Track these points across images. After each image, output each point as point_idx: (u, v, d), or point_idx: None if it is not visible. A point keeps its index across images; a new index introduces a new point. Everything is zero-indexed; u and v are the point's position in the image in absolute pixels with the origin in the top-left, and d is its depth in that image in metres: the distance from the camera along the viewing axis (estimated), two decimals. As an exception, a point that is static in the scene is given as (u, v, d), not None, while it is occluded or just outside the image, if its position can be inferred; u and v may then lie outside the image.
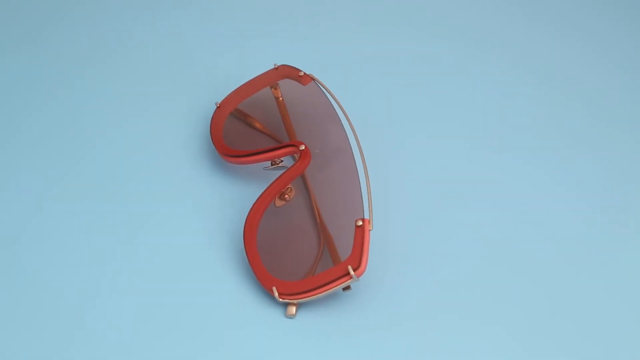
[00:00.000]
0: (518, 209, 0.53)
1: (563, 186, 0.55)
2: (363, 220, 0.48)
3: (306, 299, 0.47)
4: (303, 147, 0.51)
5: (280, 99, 0.56)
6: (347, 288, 0.48)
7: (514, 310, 0.49)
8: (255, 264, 0.48)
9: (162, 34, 0.63)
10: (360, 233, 0.47)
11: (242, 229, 0.51)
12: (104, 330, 0.46)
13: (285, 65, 0.57)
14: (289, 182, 0.50)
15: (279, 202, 0.50)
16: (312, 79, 0.55)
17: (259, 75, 0.57)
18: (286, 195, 0.50)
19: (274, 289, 0.48)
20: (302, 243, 0.49)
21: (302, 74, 0.55)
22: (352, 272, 0.46)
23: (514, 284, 0.50)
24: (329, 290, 0.47)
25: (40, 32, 0.62)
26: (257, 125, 0.55)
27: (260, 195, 0.50)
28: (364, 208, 0.52)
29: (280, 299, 0.47)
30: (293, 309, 0.48)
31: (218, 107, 0.56)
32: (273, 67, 0.58)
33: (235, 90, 0.57)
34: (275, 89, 0.56)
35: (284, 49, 0.62)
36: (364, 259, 0.47)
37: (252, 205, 0.50)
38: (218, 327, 0.47)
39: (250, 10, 0.65)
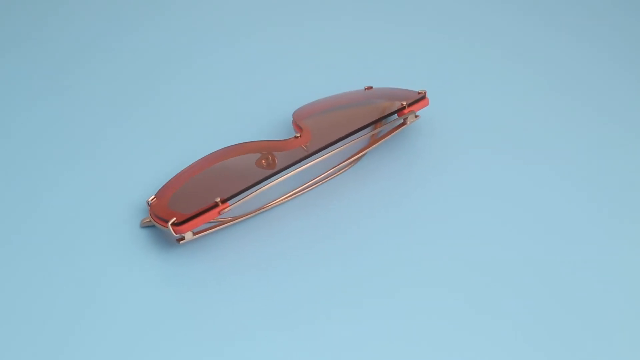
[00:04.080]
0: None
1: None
2: (223, 201, 0.49)
3: (148, 219, 0.51)
4: (298, 135, 0.52)
5: (402, 122, 0.56)
6: (180, 240, 0.50)
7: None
8: (177, 178, 0.52)
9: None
10: (210, 207, 0.49)
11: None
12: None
13: (424, 96, 0.55)
14: (266, 149, 0.52)
15: (258, 163, 0.52)
16: (401, 113, 0.54)
17: (407, 90, 0.56)
18: (263, 161, 0.52)
19: (152, 196, 0.51)
20: (220, 191, 0.50)
21: (405, 105, 0.54)
22: (169, 223, 0.49)
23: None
24: (156, 225, 0.50)
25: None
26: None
27: (245, 143, 0.53)
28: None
29: (148, 207, 0.51)
30: (144, 221, 0.51)
31: (365, 88, 0.57)
32: (417, 92, 0.56)
33: (386, 88, 0.57)
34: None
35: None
36: (189, 223, 0.49)
37: (233, 145, 0.53)
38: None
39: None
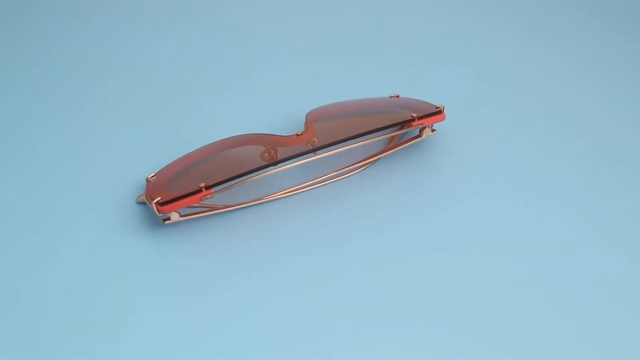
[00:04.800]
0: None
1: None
2: (206, 187, 0.50)
3: (143, 196, 0.52)
4: (300, 133, 0.53)
5: (418, 134, 0.56)
6: (166, 220, 0.51)
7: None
8: (178, 161, 0.53)
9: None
10: (193, 191, 0.50)
11: None
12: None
13: (440, 111, 0.55)
14: (268, 143, 0.53)
15: (263, 155, 0.52)
16: (409, 125, 0.54)
17: (428, 103, 0.55)
18: (266, 154, 0.52)
19: (152, 174, 0.53)
20: (209, 178, 0.51)
21: (415, 117, 0.54)
22: (153, 201, 0.50)
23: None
24: (145, 203, 0.52)
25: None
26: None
27: (244, 135, 0.54)
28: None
29: (146, 182, 0.53)
30: (139, 198, 0.53)
31: (391, 96, 0.57)
32: (435, 107, 0.55)
33: (409, 98, 0.57)
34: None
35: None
36: (172, 204, 0.50)
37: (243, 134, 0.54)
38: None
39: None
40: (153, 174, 0.53)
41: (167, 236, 0.52)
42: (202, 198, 0.50)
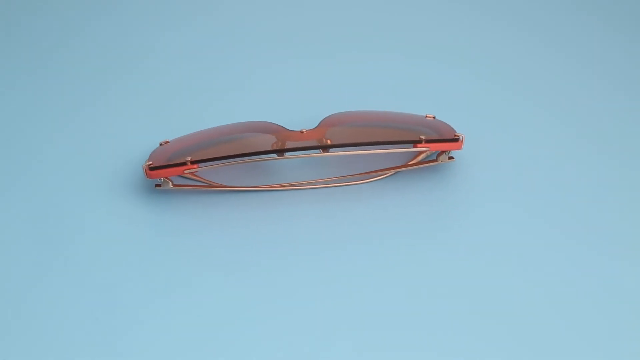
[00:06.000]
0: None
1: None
2: (192, 162, 0.52)
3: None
4: (302, 131, 0.54)
5: (435, 159, 0.55)
6: (157, 185, 0.54)
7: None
8: (192, 134, 0.56)
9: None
10: (179, 162, 0.52)
11: None
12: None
13: (457, 139, 0.54)
14: (270, 132, 0.55)
15: (273, 144, 0.54)
16: (415, 145, 0.54)
17: (452, 130, 0.55)
18: (274, 144, 0.54)
19: (165, 140, 0.55)
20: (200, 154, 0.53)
21: (423, 139, 0.53)
22: (146, 164, 0.53)
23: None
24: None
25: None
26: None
27: (252, 122, 0.56)
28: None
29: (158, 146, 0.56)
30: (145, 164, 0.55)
31: (427, 116, 0.56)
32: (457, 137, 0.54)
33: (438, 121, 0.56)
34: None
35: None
36: (158, 171, 0.53)
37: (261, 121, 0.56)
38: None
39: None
40: (167, 140, 0.55)
41: (163, 202, 0.54)
42: (185, 171, 0.52)
